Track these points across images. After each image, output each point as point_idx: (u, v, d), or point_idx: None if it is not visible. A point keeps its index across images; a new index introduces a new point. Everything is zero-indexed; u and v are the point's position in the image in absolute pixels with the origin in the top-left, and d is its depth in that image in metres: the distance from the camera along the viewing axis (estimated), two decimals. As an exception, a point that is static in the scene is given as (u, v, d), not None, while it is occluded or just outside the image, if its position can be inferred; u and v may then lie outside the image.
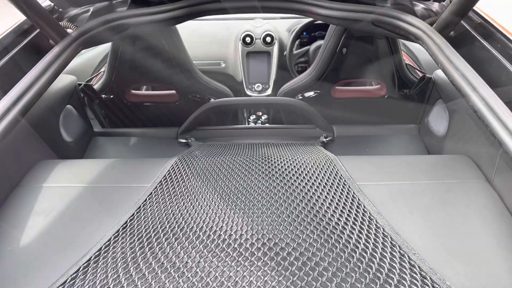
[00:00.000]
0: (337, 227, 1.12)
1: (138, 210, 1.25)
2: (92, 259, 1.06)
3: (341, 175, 1.38)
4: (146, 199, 1.30)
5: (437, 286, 0.95)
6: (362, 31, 1.99)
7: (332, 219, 1.16)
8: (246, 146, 1.76)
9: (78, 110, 2.14)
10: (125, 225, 1.19)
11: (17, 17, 1.62)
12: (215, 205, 1.24)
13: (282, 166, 1.44)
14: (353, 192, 1.29)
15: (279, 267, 0.99)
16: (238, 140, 2.12)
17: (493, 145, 1.37)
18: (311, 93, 2.42)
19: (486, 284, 0.99)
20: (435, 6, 1.72)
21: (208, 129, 2.23)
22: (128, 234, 1.15)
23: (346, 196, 1.27)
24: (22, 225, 1.22)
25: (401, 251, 1.05)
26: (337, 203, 1.23)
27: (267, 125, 2.81)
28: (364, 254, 1.03)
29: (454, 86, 1.29)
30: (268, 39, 3.06)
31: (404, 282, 0.95)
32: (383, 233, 1.11)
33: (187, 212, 1.21)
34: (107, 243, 1.12)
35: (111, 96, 2.36)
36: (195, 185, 1.35)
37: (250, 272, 0.98)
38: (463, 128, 1.68)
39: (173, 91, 2.42)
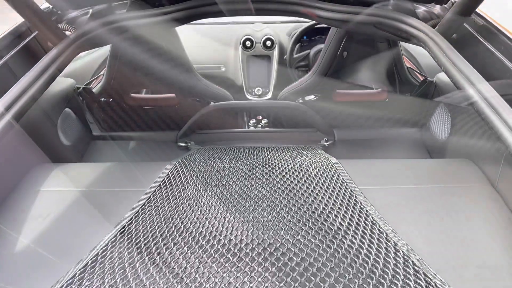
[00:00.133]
0: (339, 232, 1.10)
1: (136, 214, 1.23)
2: (88, 264, 1.04)
3: (342, 179, 1.36)
4: (144, 203, 1.28)
5: None
6: (363, 33, 1.98)
7: (334, 223, 1.13)
8: (246, 150, 1.74)
9: (76, 113, 2.12)
10: (123, 229, 1.16)
11: (16, 20, 1.61)
12: (215, 209, 1.22)
13: (283, 170, 1.42)
14: (355, 196, 1.27)
15: (280, 272, 0.96)
16: (238, 144, 2.10)
17: (497, 148, 1.35)
18: (312, 97, 2.41)
19: None
20: (437, 8, 1.71)
21: (208, 133, 2.22)
22: (126, 239, 1.12)
23: (348, 200, 1.25)
24: (18, 229, 1.20)
25: (405, 257, 1.03)
26: (339, 207, 1.21)
27: (267, 128, 2.79)
28: (367, 260, 1.00)
29: (458, 89, 1.27)
30: (268, 43, 3.06)
31: None
32: (386, 238, 1.09)
33: (186, 217, 1.19)
34: (104, 248, 1.09)
35: (110, 100, 2.34)
36: (194, 189, 1.33)
37: (250, 278, 0.95)
38: (465, 132, 1.66)
39: (173, 95, 2.41)
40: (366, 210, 1.20)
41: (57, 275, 1.02)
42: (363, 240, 1.07)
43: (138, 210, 1.24)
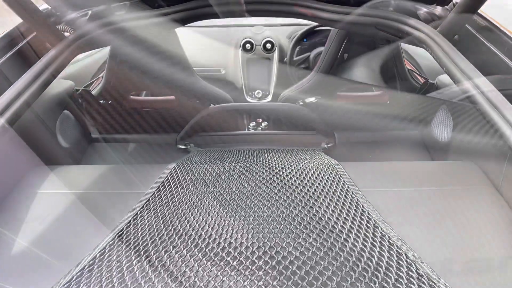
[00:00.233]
0: (340, 235, 1.08)
1: (135, 217, 1.21)
2: (86, 268, 1.02)
3: (344, 181, 1.35)
4: (143, 206, 1.26)
5: None
6: (365, 35, 1.97)
7: (336, 226, 1.12)
8: (247, 152, 1.72)
9: (75, 115, 2.11)
10: (121, 232, 1.15)
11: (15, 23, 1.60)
12: (215, 212, 1.20)
13: (283, 172, 1.41)
14: (357, 199, 1.25)
15: (280, 276, 0.95)
16: (238, 146, 2.09)
17: (500, 150, 1.33)
18: (313, 99, 2.39)
19: None
20: (438, 10, 1.70)
21: (208, 135, 2.20)
22: (124, 242, 1.10)
23: (350, 202, 1.23)
24: (15, 232, 1.19)
25: (408, 260, 1.01)
26: (340, 210, 1.19)
27: (267, 131, 2.78)
28: (370, 263, 0.99)
29: (461, 90, 1.26)
30: (268, 45, 3.05)
31: None
32: (388, 241, 1.07)
33: (185, 219, 1.17)
34: (102, 252, 1.07)
35: (109, 102, 2.33)
36: (193, 192, 1.32)
37: (250, 282, 0.93)
38: (467, 134, 1.65)
39: (172, 97, 2.39)
40: (368, 213, 1.18)
41: (54, 279, 1.00)
42: (365, 243, 1.05)
43: (137, 213, 1.23)
